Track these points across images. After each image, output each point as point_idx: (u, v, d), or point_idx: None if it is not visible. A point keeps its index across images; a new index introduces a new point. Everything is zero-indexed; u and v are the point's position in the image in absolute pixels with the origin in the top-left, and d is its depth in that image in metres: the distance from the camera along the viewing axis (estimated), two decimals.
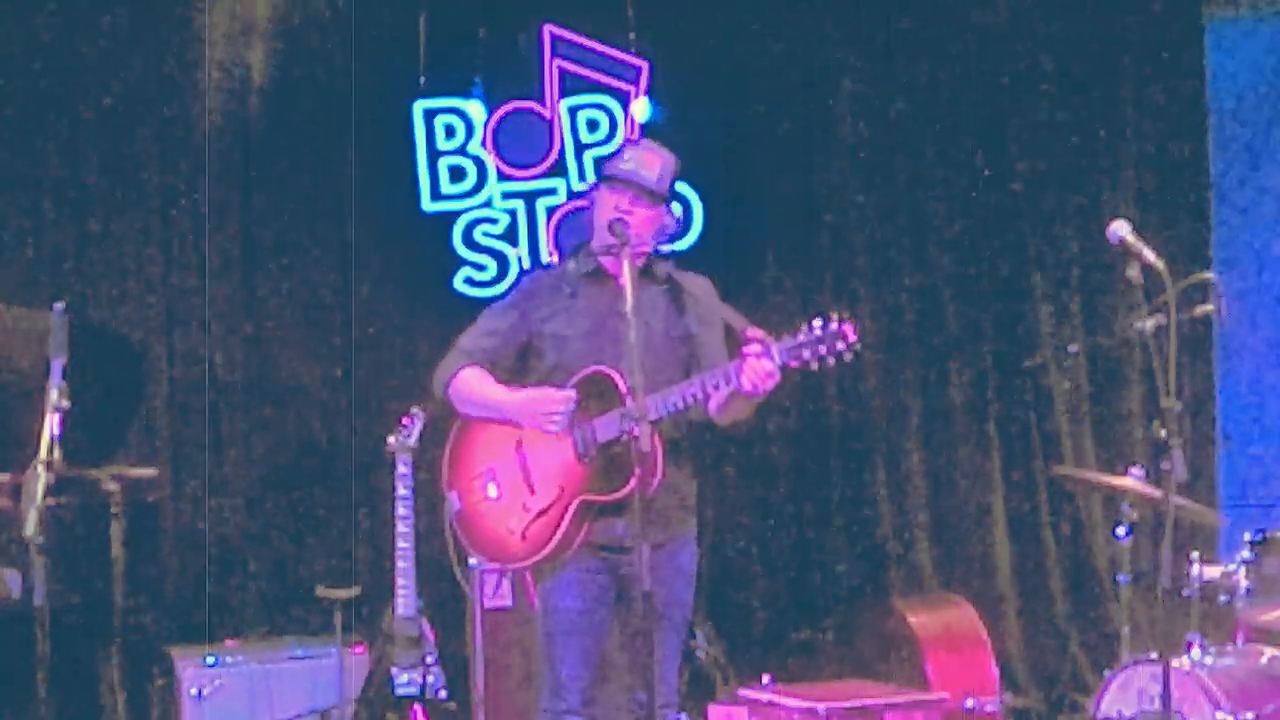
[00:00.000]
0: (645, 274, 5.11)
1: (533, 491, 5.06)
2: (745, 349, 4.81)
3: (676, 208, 7.62)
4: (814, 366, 4.78)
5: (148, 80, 7.57)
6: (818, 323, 4.76)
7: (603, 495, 4.96)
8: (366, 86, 7.72)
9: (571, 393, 4.99)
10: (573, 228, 7.70)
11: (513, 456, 5.10)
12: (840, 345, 4.74)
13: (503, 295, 5.47)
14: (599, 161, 5.11)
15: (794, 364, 4.77)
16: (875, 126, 8.21)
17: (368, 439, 7.46)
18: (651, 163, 5.10)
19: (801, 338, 4.77)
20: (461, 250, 7.83)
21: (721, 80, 8.06)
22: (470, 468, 5.20)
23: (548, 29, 7.89)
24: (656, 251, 5.22)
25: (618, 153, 5.22)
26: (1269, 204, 8.39)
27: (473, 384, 5.17)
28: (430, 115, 7.84)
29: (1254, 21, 8.44)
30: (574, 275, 5.20)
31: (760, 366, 4.78)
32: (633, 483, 4.75)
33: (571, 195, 7.85)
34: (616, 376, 4.96)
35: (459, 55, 7.85)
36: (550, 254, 7.78)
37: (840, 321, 4.75)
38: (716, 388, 4.88)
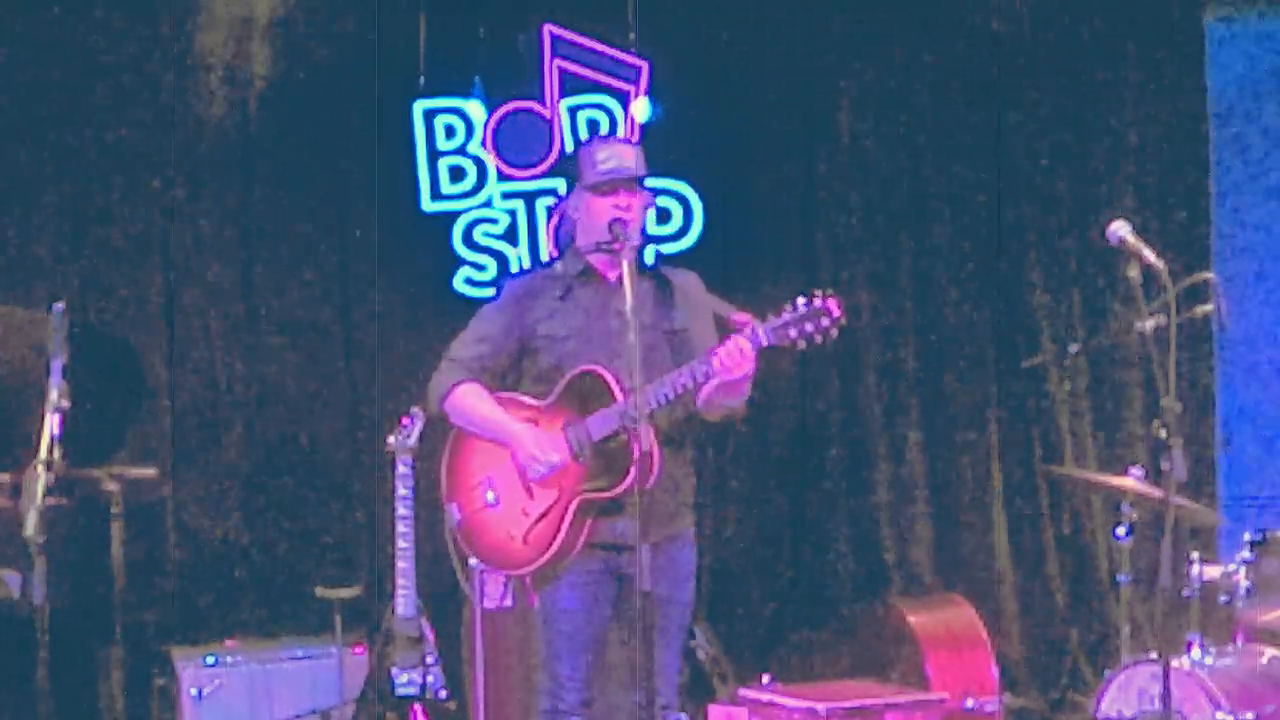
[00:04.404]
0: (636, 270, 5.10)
1: (531, 496, 5.05)
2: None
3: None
4: (801, 345, 4.77)
5: (147, 80, 7.57)
6: (801, 300, 4.76)
7: (601, 492, 4.96)
8: (366, 86, 7.72)
9: (560, 457, 4.98)
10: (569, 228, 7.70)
11: (509, 463, 5.08)
12: (826, 322, 4.73)
13: (491, 300, 5.45)
14: (570, 168, 5.02)
15: (782, 343, 4.76)
16: (875, 126, 8.21)
17: (368, 439, 7.46)
18: (625, 153, 5.11)
19: (786, 316, 4.76)
20: (461, 250, 7.83)
21: (721, 80, 8.06)
22: (468, 477, 5.19)
23: (548, 29, 7.88)
24: (657, 255, 5.23)
25: (588, 157, 5.11)
26: (1269, 204, 8.40)
27: (471, 400, 5.15)
28: (430, 115, 7.83)
29: (1254, 21, 8.44)
30: (563, 276, 5.19)
31: (732, 346, 4.76)
32: (630, 477, 4.74)
33: None
34: (607, 374, 4.96)
35: (459, 55, 7.85)
36: (550, 254, 7.78)
37: (825, 297, 4.74)
38: (707, 376, 4.86)
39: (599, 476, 4.96)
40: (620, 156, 5.09)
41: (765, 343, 4.78)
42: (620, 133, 7.86)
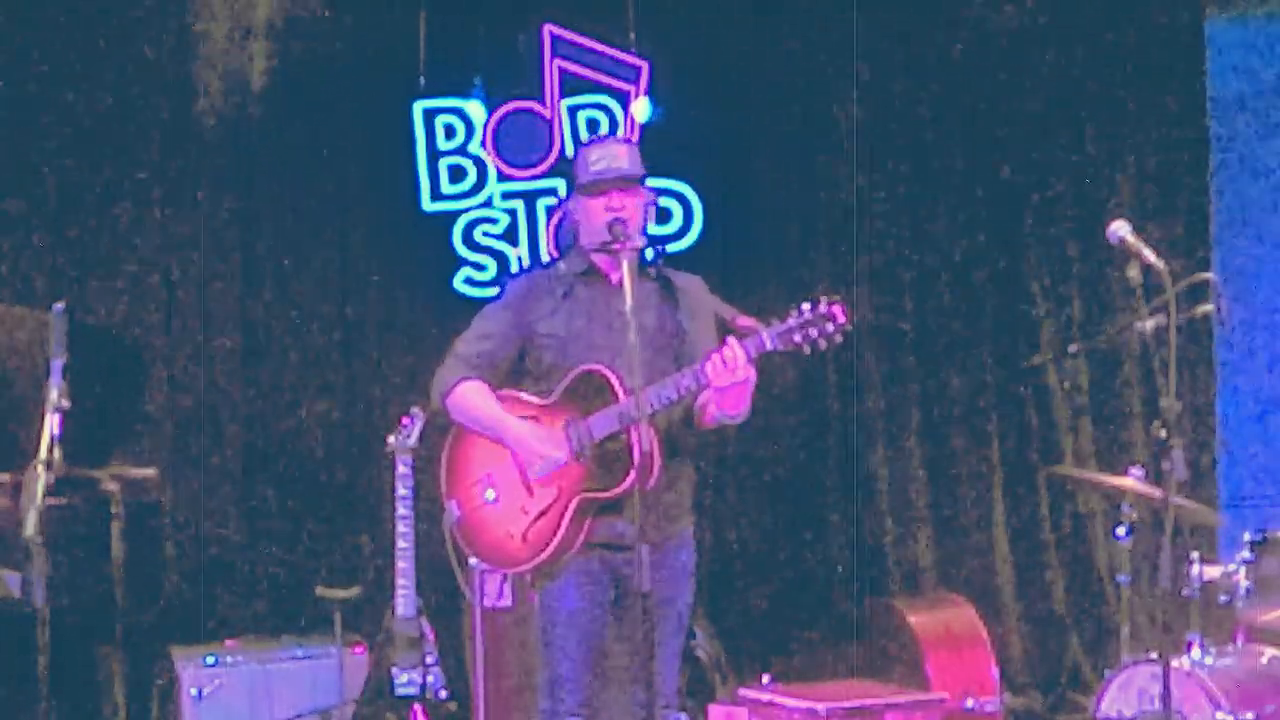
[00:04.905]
0: (638, 271, 5.09)
1: (531, 494, 5.05)
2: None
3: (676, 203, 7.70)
4: (806, 350, 4.77)
5: (147, 80, 7.57)
6: (806, 306, 4.76)
7: (601, 492, 4.95)
8: (366, 86, 7.72)
9: (562, 455, 4.98)
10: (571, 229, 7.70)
11: (509, 460, 5.08)
12: (830, 327, 4.74)
13: (494, 298, 5.45)
14: (566, 172, 5.04)
15: (786, 348, 4.76)
16: (875, 126, 8.21)
17: (368, 439, 7.46)
18: (619, 152, 5.09)
19: (791, 321, 4.77)
20: (461, 250, 7.83)
21: (721, 80, 8.06)
22: (467, 475, 5.18)
23: (548, 29, 7.89)
24: (658, 252, 5.22)
25: (582, 159, 5.11)
26: (1269, 205, 8.40)
27: (473, 398, 5.14)
28: (430, 115, 7.83)
29: (1254, 21, 8.45)
30: (566, 275, 5.19)
31: (726, 354, 4.75)
32: (631, 477, 4.74)
33: None
34: (609, 374, 4.96)
35: (459, 55, 7.86)
36: (550, 254, 7.78)
37: (830, 303, 4.75)
38: (703, 382, 4.86)
39: (599, 476, 4.96)
40: (613, 156, 5.07)
41: (769, 347, 4.78)
42: (620, 133, 7.86)
